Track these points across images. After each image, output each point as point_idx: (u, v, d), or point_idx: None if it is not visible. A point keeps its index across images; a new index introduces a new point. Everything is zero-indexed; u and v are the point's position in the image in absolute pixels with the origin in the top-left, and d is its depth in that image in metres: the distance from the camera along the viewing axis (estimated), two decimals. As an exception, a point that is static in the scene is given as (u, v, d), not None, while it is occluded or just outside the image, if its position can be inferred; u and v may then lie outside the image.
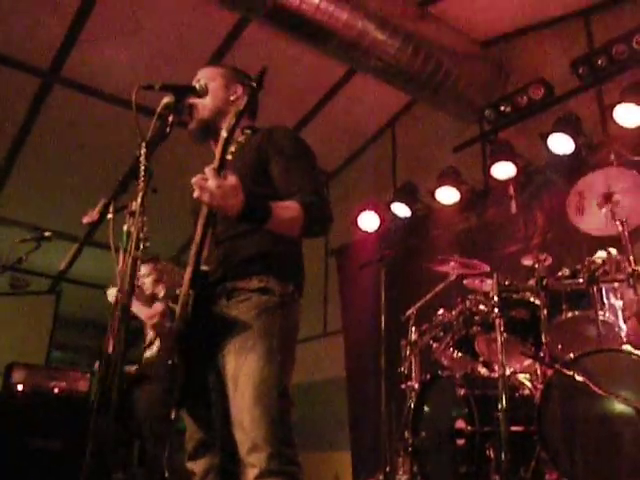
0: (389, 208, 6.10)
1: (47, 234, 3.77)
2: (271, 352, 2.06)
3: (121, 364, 1.64)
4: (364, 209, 6.22)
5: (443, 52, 5.62)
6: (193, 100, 2.29)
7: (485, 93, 5.94)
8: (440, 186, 5.75)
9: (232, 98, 2.36)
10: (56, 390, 5.32)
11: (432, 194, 5.82)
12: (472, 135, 6.16)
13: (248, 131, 2.24)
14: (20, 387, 5.25)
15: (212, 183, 1.88)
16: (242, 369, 2.04)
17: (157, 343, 4.39)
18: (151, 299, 4.53)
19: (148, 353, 4.45)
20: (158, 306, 4.24)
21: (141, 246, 1.81)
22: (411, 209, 6.06)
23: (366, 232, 6.28)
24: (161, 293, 4.52)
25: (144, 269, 4.72)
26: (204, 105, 2.32)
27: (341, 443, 6.42)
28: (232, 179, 1.90)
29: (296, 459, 2.02)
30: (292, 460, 2.01)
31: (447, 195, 5.75)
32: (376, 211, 6.19)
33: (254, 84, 1.91)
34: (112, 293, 4.29)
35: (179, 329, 2.02)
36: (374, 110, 6.64)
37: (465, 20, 5.70)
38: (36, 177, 6.65)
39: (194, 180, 1.90)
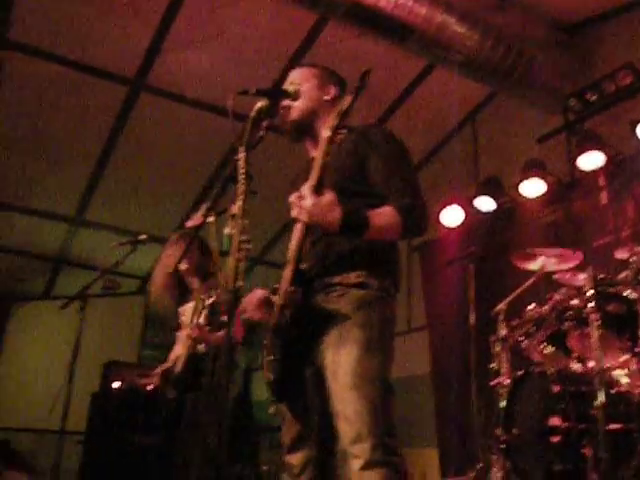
0: (472, 203, 6.02)
1: (142, 237, 3.90)
2: (371, 344, 2.10)
3: (230, 362, 1.69)
4: (447, 204, 6.15)
5: (525, 41, 5.51)
6: (287, 102, 2.34)
7: (569, 81, 5.77)
8: (525, 178, 5.62)
9: (326, 98, 2.39)
10: (150, 387, 5.50)
11: (516, 187, 5.70)
12: (556, 125, 5.99)
13: (344, 130, 2.27)
14: (116, 385, 5.47)
15: (309, 202, 1.93)
16: (343, 361, 2.08)
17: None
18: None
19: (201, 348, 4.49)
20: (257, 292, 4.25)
21: (243, 248, 1.85)
22: (496, 203, 5.96)
23: (449, 227, 6.21)
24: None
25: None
26: (298, 106, 2.36)
27: (427, 440, 6.38)
28: (329, 195, 1.95)
29: (398, 450, 2.04)
30: (395, 451, 2.04)
31: (532, 187, 5.62)
32: (459, 206, 6.12)
33: (359, 85, 1.94)
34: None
35: (278, 324, 2.07)
36: (454, 104, 6.56)
37: (547, 7, 5.57)
38: (125, 182, 6.89)
39: (291, 199, 1.96)
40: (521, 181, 5.65)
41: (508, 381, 4.06)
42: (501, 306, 4.28)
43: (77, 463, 5.37)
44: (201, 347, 4.35)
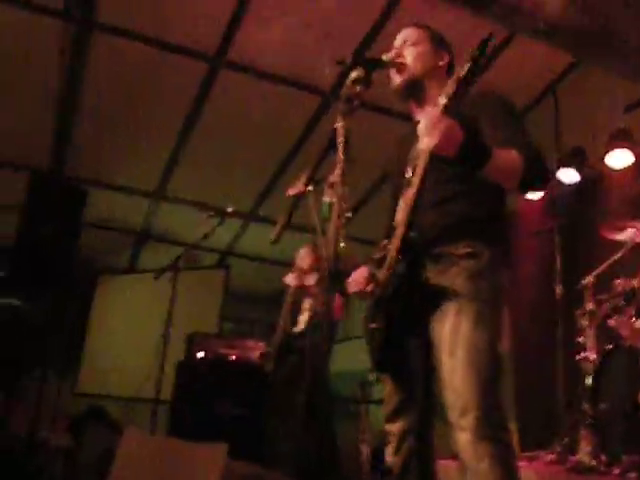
0: (555, 174, 5.88)
1: (230, 210, 3.98)
2: (482, 315, 2.08)
3: (328, 330, 1.72)
4: (527, 177, 6.02)
5: (611, 6, 5.30)
6: (402, 59, 2.31)
7: (660, 47, 5.53)
8: (611, 149, 5.46)
9: (441, 64, 2.37)
10: (233, 357, 5.65)
11: (602, 158, 5.54)
12: (645, 93, 5.78)
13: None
14: (201, 355, 5.63)
15: (435, 114, 1.89)
16: (453, 333, 2.06)
17: (304, 319, 4.51)
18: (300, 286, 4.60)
19: (296, 329, 4.57)
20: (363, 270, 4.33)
21: (343, 215, 1.88)
22: (580, 175, 5.81)
23: (530, 200, 6.09)
24: (310, 281, 4.53)
25: (302, 252, 4.83)
26: (410, 67, 2.33)
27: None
28: (449, 119, 1.91)
29: (507, 424, 2.02)
30: (503, 425, 2.02)
31: (619, 158, 5.46)
32: (541, 178, 5.98)
33: (478, 51, 1.89)
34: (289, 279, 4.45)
35: (382, 293, 2.08)
36: (535, 74, 6.39)
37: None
38: (205, 158, 7.01)
39: (424, 121, 1.91)
40: (607, 152, 5.49)
41: (595, 356, 3.99)
42: (589, 279, 4.19)
43: (164, 432, 5.55)
44: (297, 328, 4.47)
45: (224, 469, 2.52)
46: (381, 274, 2.14)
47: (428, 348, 2.12)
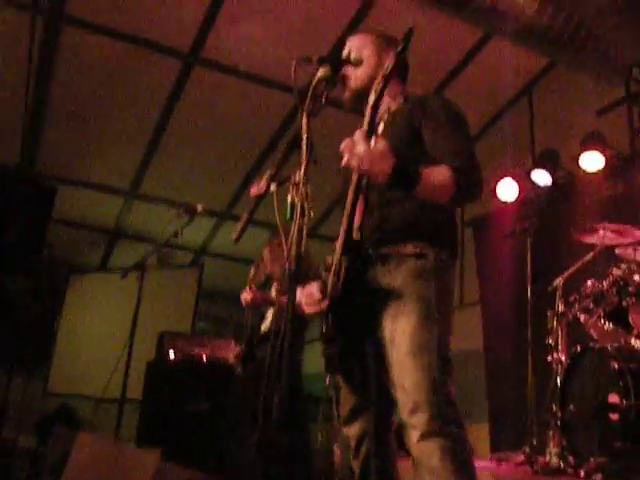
0: (528, 176, 5.90)
1: (199, 209, 3.93)
2: (428, 315, 2.08)
3: (291, 331, 1.70)
4: (502, 178, 6.05)
5: (586, 9, 5.33)
6: (348, 70, 2.31)
7: (632, 51, 5.58)
8: (584, 151, 5.48)
9: (386, 65, 2.36)
10: (204, 357, 5.61)
11: (575, 160, 5.57)
12: (617, 97, 5.81)
13: (401, 98, 2.23)
14: (172, 355, 5.58)
15: (361, 147, 1.90)
16: (400, 332, 2.07)
17: (270, 316, 4.49)
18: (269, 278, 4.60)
19: (263, 327, 4.56)
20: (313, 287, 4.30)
21: (306, 215, 1.85)
22: (552, 177, 5.82)
23: (504, 202, 6.11)
24: (276, 274, 4.53)
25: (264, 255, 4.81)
26: (359, 74, 2.33)
27: (477, 415, 6.36)
28: (381, 144, 1.91)
29: (459, 420, 2.02)
30: (454, 421, 2.02)
31: (591, 161, 5.47)
32: (515, 179, 6.00)
33: (399, 47, 1.91)
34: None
35: (333, 297, 2.07)
36: (511, 75, 6.41)
37: (609, -27, 5.38)
38: (179, 155, 6.96)
39: (343, 145, 1.93)
40: (580, 154, 5.51)
41: (565, 357, 4.00)
42: (559, 281, 4.20)
43: (134, 430, 5.50)
44: (264, 326, 4.44)
45: (156, 473, 2.53)
46: (329, 280, 2.13)
47: (379, 349, 2.12)
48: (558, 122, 6.38)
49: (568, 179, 5.94)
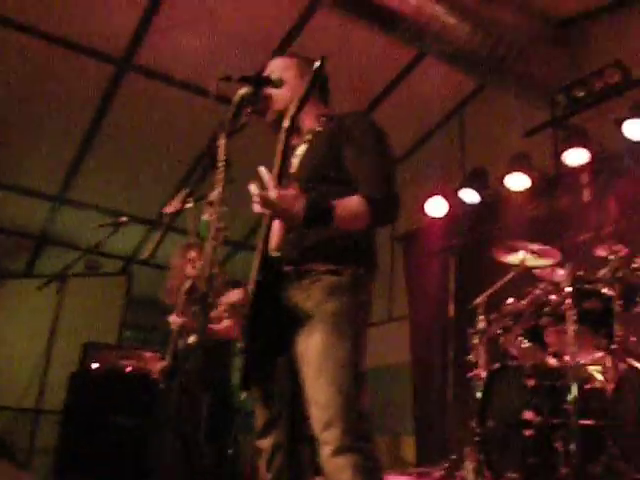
0: (457, 194, 6.02)
1: (124, 219, 3.89)
2: (342, 330, 2.10)
3: (203, 347, 1.69)
4: (432, 195, 6.16)
5: (515, 35, 5.49)
6: (270, 91, 2.31)
7: (558, 76, 5.76)
8: (510, 172, 5.63)
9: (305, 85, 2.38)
10: (129, 369, 5.50)
11: (501, 180, 5.71)
12: (543, 120, 5.99)
13: (323, 119, 2.25)
14: (95, 366, 5.46)
15: (272, 194, 1.93)
16: (313, 347, 2.08)
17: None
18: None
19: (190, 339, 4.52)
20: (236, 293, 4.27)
21: (220, 235, 1.85)
22: (480, 195, 5.96)
23: (434, 218, 6.22)
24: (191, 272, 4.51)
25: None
26: (281, 96, 2.34)
27: (404, 427, 6.44)
28: (291, 189, 1.94)
29: (370, 436, 2.05)
30: (366, 437, 2.03)
31: (517, 181, 5.63)
32: (444, 197, 6.12)
33: (314, 73, 1.94)
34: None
35: (249, 313, 2.07)
36: (442, 94, 6.56)
37: (538, 1, 5.56)
38: (110, 162, 6.84)
39: (254, 193, 1.95)
40: (506, 175, 5.66)
41: (484, 374, 4.09)
42: (480, 299, 4.31)
43: (53, 442, 5.34)
44: (191, 339, 4.39)
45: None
46: (248, 292, 2.15)
47: (293, 364, 2.13)
48: (488, 142, 6.54)
49: (495, 198, 6.09)
